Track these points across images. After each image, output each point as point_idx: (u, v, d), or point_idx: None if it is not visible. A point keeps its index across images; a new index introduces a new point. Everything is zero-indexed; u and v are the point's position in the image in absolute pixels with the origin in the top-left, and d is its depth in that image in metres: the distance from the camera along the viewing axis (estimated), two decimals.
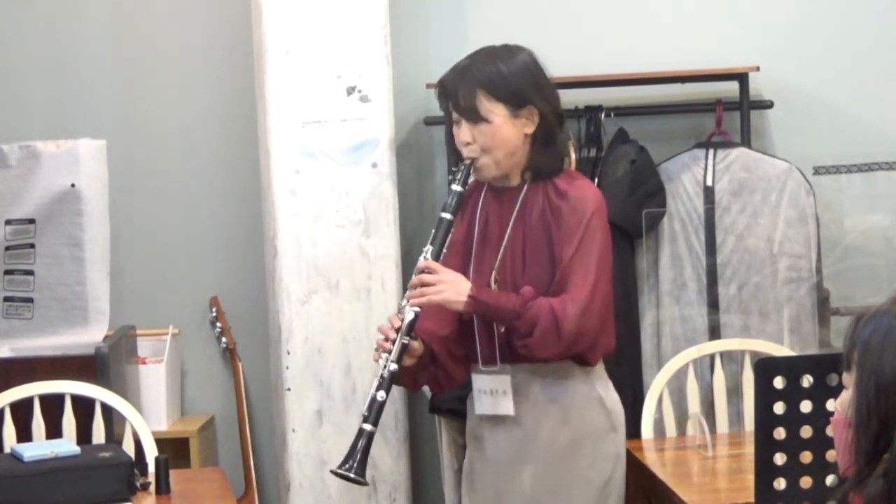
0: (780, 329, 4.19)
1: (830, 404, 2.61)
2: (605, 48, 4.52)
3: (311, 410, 4.02)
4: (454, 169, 3.14)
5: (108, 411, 3.66)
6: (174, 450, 3.96)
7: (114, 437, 3.65)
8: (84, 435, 3.62)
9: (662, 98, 4.52)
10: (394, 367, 3.00)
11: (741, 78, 4.36)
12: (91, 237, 4.03)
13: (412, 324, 3.02)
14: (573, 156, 4.29)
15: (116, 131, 4.41)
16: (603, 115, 4.34)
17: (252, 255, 4.42)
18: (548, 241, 3.06)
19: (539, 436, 3.12)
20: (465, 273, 3.11)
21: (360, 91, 4.00)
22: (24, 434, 3.60)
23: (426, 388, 3.21)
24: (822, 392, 2.64)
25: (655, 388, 3.76)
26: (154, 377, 4.30)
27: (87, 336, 3.98)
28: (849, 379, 1.95)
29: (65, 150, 4.02)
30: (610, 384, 3.21)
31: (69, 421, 3.64)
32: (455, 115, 3.09)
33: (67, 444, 3.25)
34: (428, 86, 4.15)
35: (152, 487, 3.25)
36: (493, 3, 4.54)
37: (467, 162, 3.09)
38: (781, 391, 2.66)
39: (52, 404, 3.65)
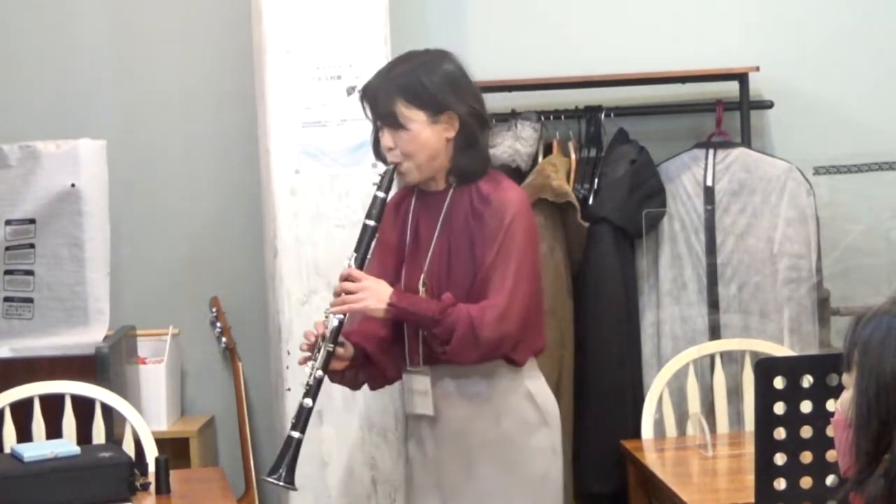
0: (781, 329, 4.19)
1: (830, 404, 2.62)
2: (605, 48, 4.52)
3: None
4: (379, 175, 3.17)
5: (108, 411, 3.66)
6: (174, 450, 3.95)
7: (114, 438, 3.65)
8: (84, 435, 3.62)
9: (662, 98, 4.52)
10: (320, 374, 3.05)
11: (741, 78, 4.36)
12: (91, 237, 4.02)
13: (336, 331, 3.06)
14: (573, 156, 4.30)
15: (116, 131, 4.41)
16: (603, 115, 4.34)
17: (252, 255, 4.41)
18: (471, 245, 3.10)
19: (468, 434, 3.15)
20: (397, 277, 3.16)
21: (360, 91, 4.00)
22: (24, 434, 3.60)
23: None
24: (823, 392, 2.65)
25: (655, 388, 3.76)
26: (154, 377, 4.29)
27: (87, 336, 3.97)
28: (849, 379, 1.95)
29: (65, 150, 4.02)
30: (541, 379, 3.23)
31: (69, 421, 3.64)
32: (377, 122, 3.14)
33: (67, 445, 3.25)
34: None
35: (152, 487, 3.25)
36: (494, 3, 4.54)
37: (390, 167, 3.13)
38: (782, 391, 2.66)
39: (52, 404, 3.65)
